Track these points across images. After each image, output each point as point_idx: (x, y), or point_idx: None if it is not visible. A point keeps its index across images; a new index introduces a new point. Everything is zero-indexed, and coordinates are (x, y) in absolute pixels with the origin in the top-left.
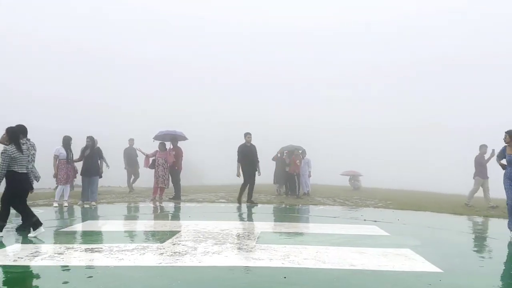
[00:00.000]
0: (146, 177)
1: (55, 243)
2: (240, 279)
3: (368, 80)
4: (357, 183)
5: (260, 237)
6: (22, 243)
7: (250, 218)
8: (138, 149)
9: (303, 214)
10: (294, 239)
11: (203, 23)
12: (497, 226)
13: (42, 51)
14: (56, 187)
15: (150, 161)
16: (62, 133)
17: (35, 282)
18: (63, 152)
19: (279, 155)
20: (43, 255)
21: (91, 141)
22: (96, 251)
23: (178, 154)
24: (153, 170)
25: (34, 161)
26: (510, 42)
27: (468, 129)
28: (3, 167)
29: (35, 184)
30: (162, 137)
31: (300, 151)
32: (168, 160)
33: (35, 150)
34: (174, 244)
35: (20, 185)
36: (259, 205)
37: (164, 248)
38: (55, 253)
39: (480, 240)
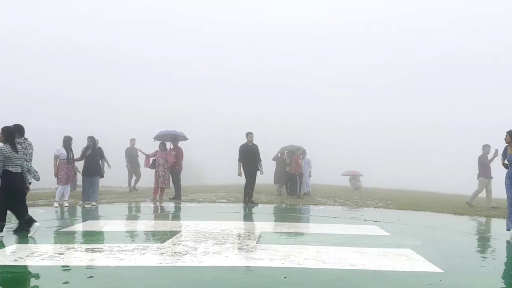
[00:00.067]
0: (147, 177)
1: (55, 243)
2: (241, 279)
3: (368, 80)
4: (357, 183)
5: (261, 237)
6: (22, 243)
7: (250, 218)
8: (138, 149)
9: (303, 214)
10: (294, 239)
11: (203, 23)
12: (497, 226)
13: (42, 51)
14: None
15: (151, 161)
16: (62, 133)
17: (35, 282)
18: (63, 152)
19: (279, 155)
20: (43, 255)
21: (92, 141)
22: (96, 251)
23: (178, 154)
24: (154, 170)
25: (31, 160)
26: (510, 42)
27: (468, 129)
28: None
29: (35, 184)
30: (162, 137)
31: (301, 151)
32: (169, 160)
33: (32, 149)
34: (174, 244)
35: (15, 185)
36: (260, 205)
37: (164, 248)
38: (55, 253)
39: (480, 240)
